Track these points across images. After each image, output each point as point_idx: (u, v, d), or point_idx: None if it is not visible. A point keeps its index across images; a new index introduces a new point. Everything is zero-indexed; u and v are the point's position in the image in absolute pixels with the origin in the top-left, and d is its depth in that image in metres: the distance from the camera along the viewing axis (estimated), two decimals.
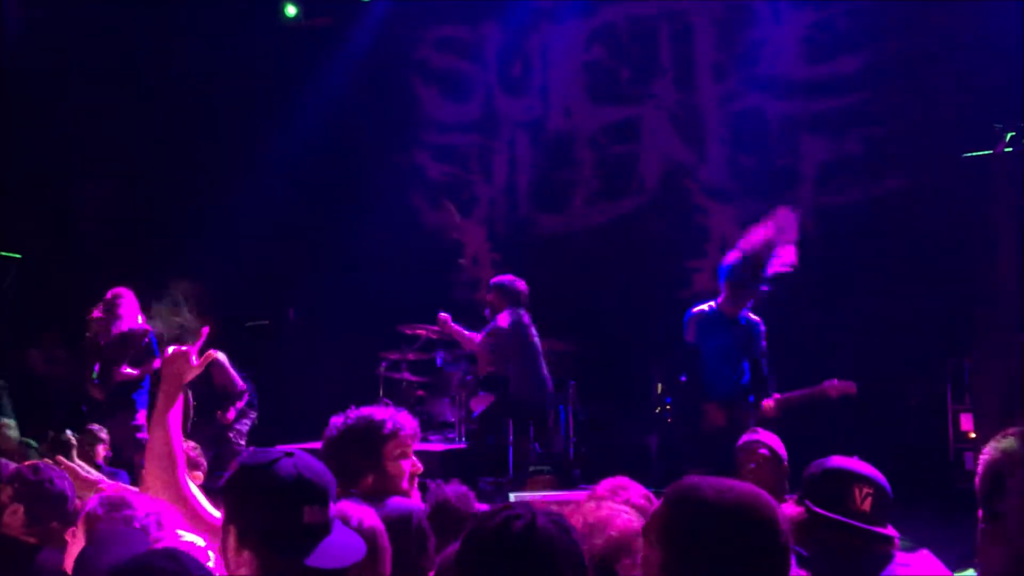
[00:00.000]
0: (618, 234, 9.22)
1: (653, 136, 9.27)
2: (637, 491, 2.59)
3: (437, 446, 6.85)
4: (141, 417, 6.74)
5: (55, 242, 8.08)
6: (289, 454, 1.96)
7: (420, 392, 7.68)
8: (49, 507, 2.89)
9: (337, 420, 2.92)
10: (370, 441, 2.86)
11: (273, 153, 9.19)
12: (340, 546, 1.91)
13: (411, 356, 7.74)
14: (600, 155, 9.46)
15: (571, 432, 7.34)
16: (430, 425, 7.54)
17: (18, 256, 7.35)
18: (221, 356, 7.29)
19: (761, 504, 1.68)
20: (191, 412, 7.38)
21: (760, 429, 4.41)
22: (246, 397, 7.41)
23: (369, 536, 2.08)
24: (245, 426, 7.40)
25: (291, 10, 9.84)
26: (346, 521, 2.05)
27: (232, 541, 1.93)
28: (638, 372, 8.34)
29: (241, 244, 9.01)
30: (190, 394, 7.41)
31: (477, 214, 9.83)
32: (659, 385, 8.20)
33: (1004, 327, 5.92)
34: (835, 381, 5.71)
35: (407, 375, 7.68)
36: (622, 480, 2.68)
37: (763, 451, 4.21)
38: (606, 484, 2.68)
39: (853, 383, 5.75)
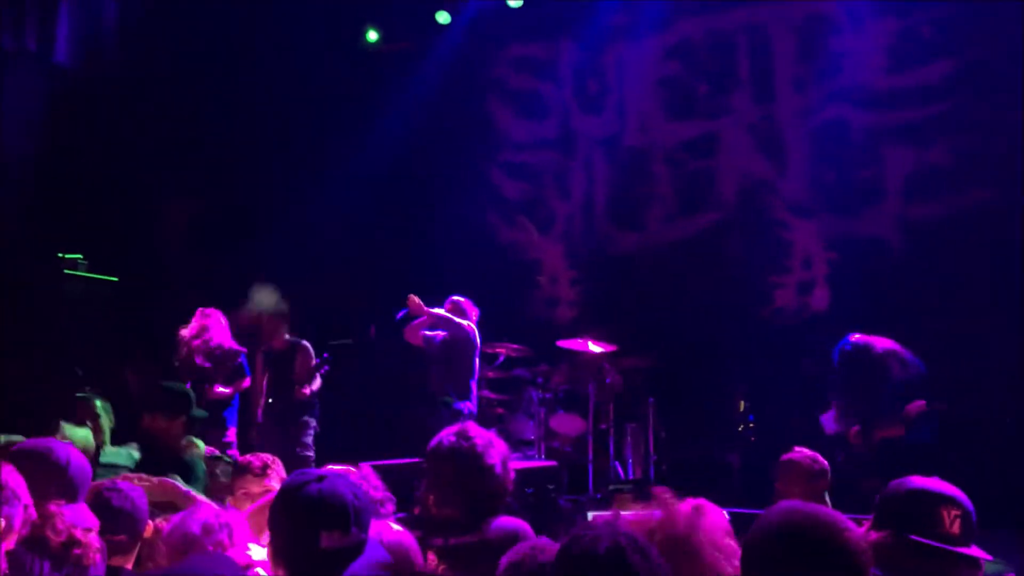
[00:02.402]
0: (696, 250, 9.14)
1: (732, 151, 9.18)
2: (715, 513, 2.57)
3: (517, 463, 6.86)
4: (231, 435, 6.97)
5: (147, 264, 8.38)
6: (321, 478, 1.99)
7: (500, 410, 7.72)
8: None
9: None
10: None
11: (354, 174, 9.39)
12: (363, 572, 1.92)
13: (491, 374, 7.79)
14: (677, 171, 9.40)
15: (651, 449, 7.28)
16: (509, 443, 7.54)
17: (115, 279, 7.65)
18: (307, 344, 7.44)
19: (825, 527, 1.70)
20: (263, 392, 7.49)
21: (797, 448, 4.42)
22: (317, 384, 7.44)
23: (390, 549, 2.12)
24: (309, 436, 7.49)
25: (372, 35, 10.09)
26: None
27: (269, 559, 2.01)
28: (719, 389, 8.24)
29: (323, 264, 9.24)
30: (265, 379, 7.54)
31: (554, 232, 9.87)
32: (741, 402, 8.10)
33: None
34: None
35: (487, 393, 7.73)
36: (700, 502, 2.66)
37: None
38: (687, 505, 2.67)
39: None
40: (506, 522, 2.80)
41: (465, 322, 6.82)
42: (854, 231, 8.52)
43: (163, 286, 8.54)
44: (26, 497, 2.35)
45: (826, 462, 4.51)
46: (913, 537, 2.23)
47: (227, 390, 6.81)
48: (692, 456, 7.67)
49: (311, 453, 7.39)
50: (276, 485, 3.60)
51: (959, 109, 8.11)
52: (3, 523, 2.27)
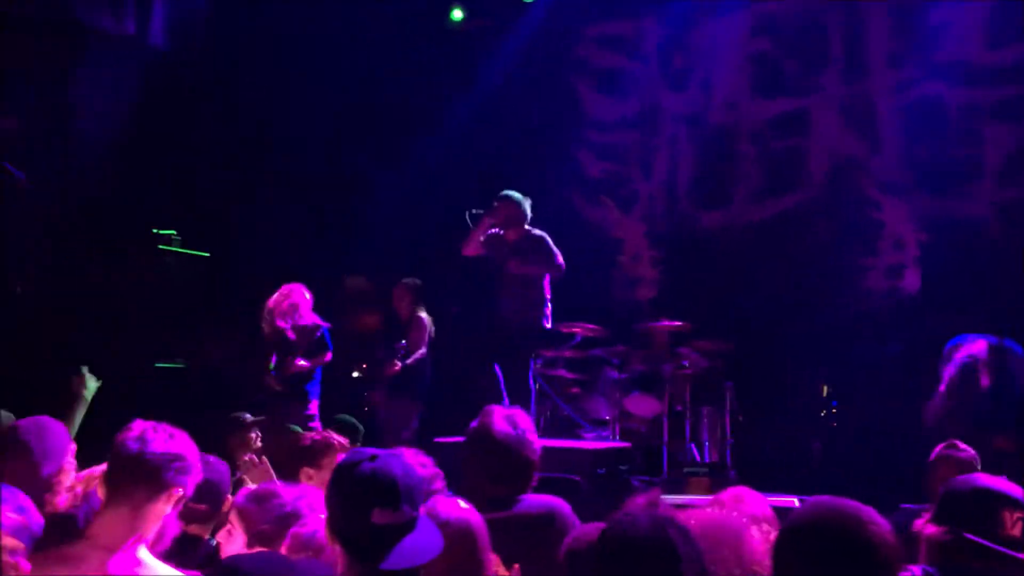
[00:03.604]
0: (782, 231, 8.95)
1: (821, 129, 8.94)
2: (757, 502, 2.56)
3: (591, 444, 6.89)
4: (314, 407, 7.16)
5: (239, 240, 8.65)
6: (374, 457, 2.04)
7: (575, 389, 7.73)
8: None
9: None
10: None
11: (436, 152, 9.48)
12: (414, 548, 1.98)
13: (567, 354, 7.80)
14: (764, 149, 9.20)
15: (728, 434, 7.20)
16: (585, 422, 7.59)
17: (206, 254, 7.93)
18: (426, 316, 7.76)
19: (850, 521, 1.71)
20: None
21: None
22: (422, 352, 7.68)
23: (456, 530, 2.18)
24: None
25: (458, 14, 10.13)
26: (434, 516, 2.17)
27: (326, 534, 2.09)
28: (802, 374, 8.08)
29: (405, 242, 9.39)
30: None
31: (637, 211, 9.77)
32: (825, 387, 7.93)
33: None
34: None
35: (562, 372, 7.76)
36: (741, 490, 2.67)
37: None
38: (728, 494, 2.68)
39: None
40: (538, 499, 2.85)
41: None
42: (949, 211, 8.22)
43: (253, 261, 8.80)
44: (197, 464, 2.52)
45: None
46: (968, 536, 2.17)
47: (307, 364, 6.99)
48: (771, 441, 7.55)
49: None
50: None
51: None
52: (180, 492, 2.43)
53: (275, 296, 7.08)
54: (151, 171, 7.89)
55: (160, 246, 7.61)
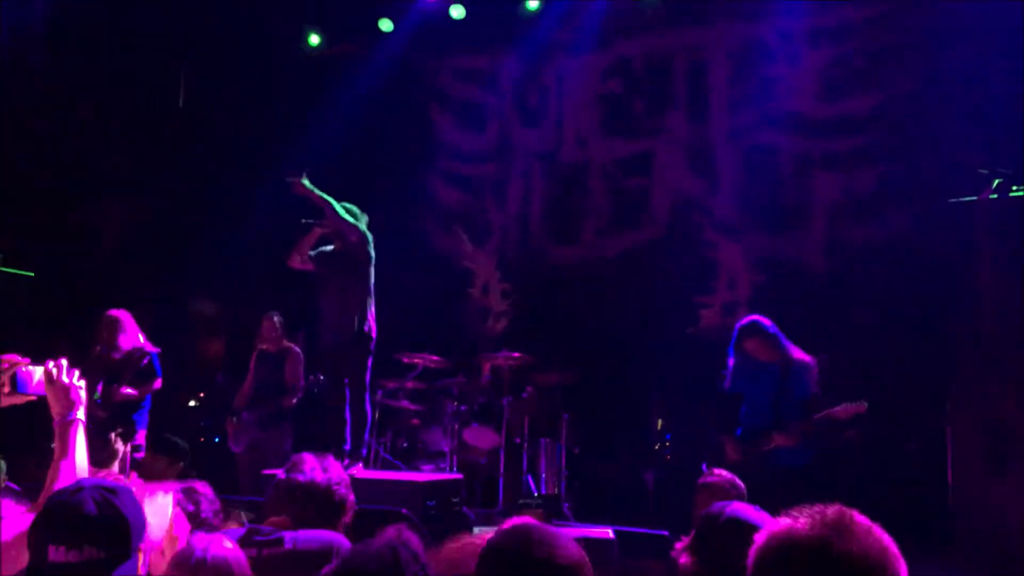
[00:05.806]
0: (628, 267, 9.21)
1: (665, 169, 9.27)
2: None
3: (429, 475, 6.87)
4: (140, 437, 6.89)
5: (70, 259, 8.28)
6: (79, 489, 1.91)
7: (415, 421, 7.71)
8: None
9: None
10: None
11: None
12: None
13: (409, 384, 7.78)
14: (613, 187, 9.48)
15: (563, 465, 7.31)
16: (424, 454, 7.57)
17: (30, 274, 7.55)
18: (298, 350, 7.46)
19: (537, 546, 1.82)
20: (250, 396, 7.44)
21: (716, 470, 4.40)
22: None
23: (213, 568, 2.14)
24: (288, 443, 7.30)
25: (314, 39, 10.05)
26: (192, 552, 2.16)
27: None
28: (638, 407, 8.29)
29: (256, 265, 9.17)
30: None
31: (489, 243, 9.88)
32: (659, 420, 8.15)
33: (982, 374, 5.81)
34: (844, 404, 5.62)
35: (405, 403, 7.73)
36: (526, 519, 2.71)
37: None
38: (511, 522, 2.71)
39: (863, 403, 5.58)
40: (318, 535, 2.83)
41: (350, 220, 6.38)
42: (779, 255, 8.63)
43: (86, 282, 8.44)
44: None
45: (743, 485, 4.48)
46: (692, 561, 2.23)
47: (134, 392, 6.74)
48: (606, 473, 7.71)
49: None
50: None
51: (883, 139, 8.27)
52: None
53: (101, 321, 6.81)
54: None
55: None
